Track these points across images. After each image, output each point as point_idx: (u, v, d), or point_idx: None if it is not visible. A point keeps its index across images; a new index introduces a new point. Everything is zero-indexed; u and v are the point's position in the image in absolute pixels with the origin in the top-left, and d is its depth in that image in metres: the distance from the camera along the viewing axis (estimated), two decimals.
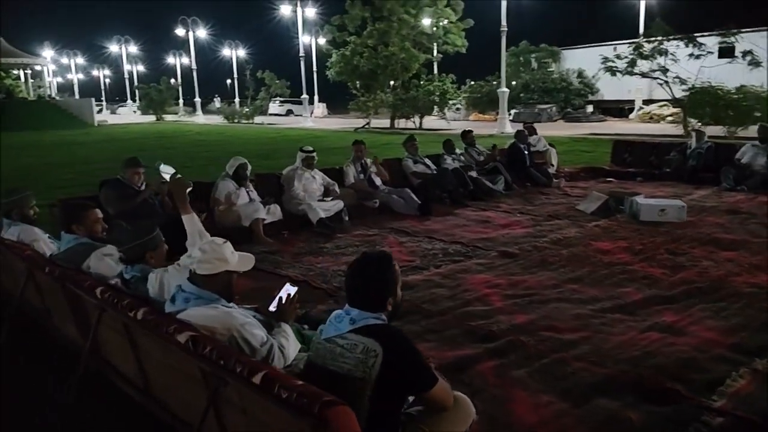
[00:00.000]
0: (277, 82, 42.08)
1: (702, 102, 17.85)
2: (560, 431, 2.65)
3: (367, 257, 2.26)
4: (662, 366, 3.20)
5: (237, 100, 47.76)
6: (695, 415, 2.71)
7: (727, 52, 20.03)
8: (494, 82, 30.75)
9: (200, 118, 43.05)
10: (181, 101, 51.74)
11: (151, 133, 28.79)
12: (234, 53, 52.39)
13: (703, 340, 3.52)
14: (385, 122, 28.70)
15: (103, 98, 65.52)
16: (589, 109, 33.41)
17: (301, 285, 3.74)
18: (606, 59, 20.35)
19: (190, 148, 19.13)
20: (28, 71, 45.82)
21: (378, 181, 7.86)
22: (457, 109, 32.25)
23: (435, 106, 28.74)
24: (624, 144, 11.55)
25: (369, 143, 8.71)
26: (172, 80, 51.88)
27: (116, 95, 72.31)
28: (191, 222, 3.21)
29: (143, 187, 5.55)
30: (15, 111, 33.19)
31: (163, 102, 46.00)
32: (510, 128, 21.22)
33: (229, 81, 59.68)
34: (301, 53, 35.52)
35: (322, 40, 36.02)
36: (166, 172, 4.40)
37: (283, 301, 2.76)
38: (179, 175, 4.00)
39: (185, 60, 51.61)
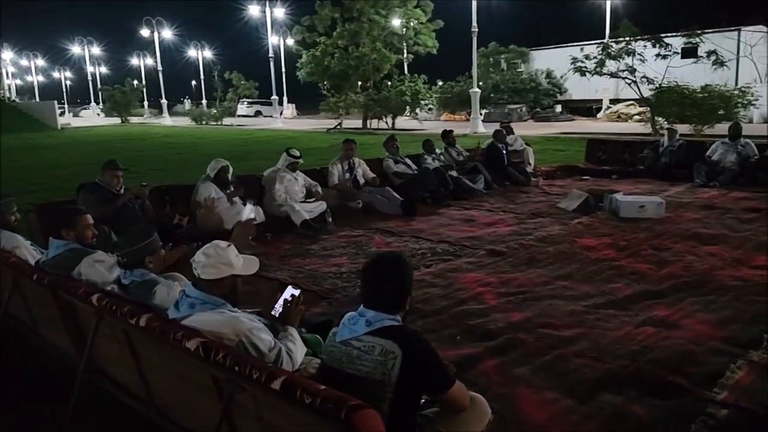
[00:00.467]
0: (245, 83, 41.77)
1: (668, 101, 18.30)
2: (570, 429, 2.65)
3: (381, 258, 2.23)
4: (661, 360, 3.23)
5: (204, 101, 47.06)
6: (700, 408, 2.73)
7: (690, 52, 20.55)
8: (464, 84, 31.02)
9: (167, 120, 42.08)
10: (146, 103, 50.71)
11: (117, 135, 28.14)
12: (200, 54, 51.67)
13: (697, 334, 3.57)
14: (357, 123, 28.66)
15: (65, 101, 63.93)
16: (558, 108, 34.00)
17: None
18: (575, 60, 20.66)
19: (160, 151, 18.75)
20: None
21: (362, 181, 7.82)
22: (429, 109, 32.40)
23: (407, 107, 28.82)
24: (597, 143, 11.76)
25: None
26: (136, 82, 50.84)
27: (78, 97, 70.87)
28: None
29: (122, 191, 5.41)
30: None
31: (128, 104, 44.90)
32: (482, 128, 21.39)
33: (194, 82, 59.00)
34: (271, 54, 35.24)
35: (291, 41, 35.73)
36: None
37: (288, 304, 2.70)
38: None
39: (150, 61, 50.76)
